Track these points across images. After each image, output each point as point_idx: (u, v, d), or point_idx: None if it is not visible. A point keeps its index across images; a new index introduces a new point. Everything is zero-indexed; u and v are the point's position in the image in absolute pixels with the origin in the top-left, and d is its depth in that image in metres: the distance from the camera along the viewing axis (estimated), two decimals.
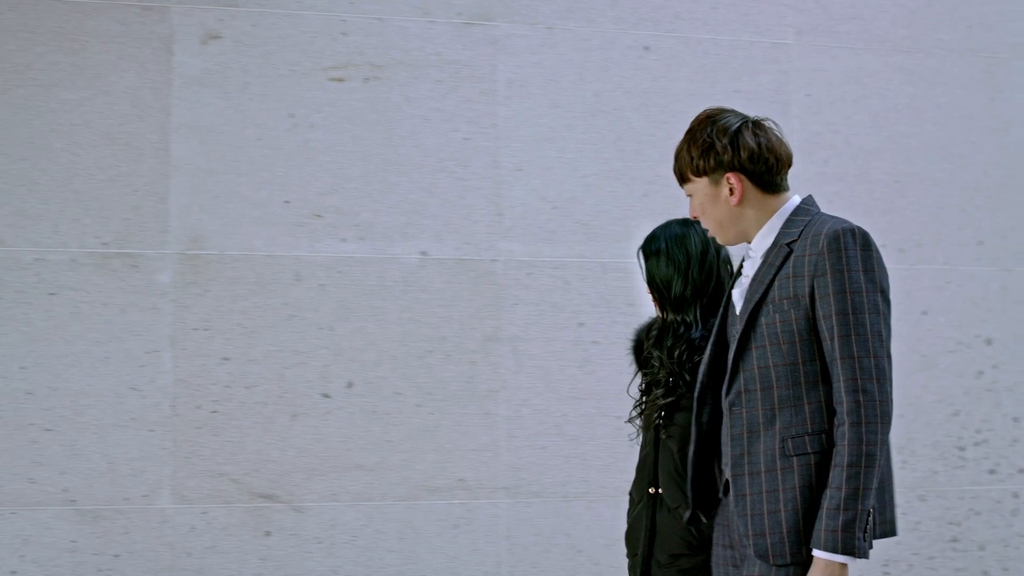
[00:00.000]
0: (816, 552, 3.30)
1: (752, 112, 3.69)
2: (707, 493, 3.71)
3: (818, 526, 3.30)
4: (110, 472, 5.55)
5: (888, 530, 3.48)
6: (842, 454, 3.29)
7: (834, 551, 3.27)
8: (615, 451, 5.88)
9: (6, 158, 5.59)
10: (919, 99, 6.47)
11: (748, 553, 3.46)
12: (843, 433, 3.31)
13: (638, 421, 4.20)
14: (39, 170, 5.61)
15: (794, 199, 3.62)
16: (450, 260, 5.90)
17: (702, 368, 3.69)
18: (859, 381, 3.32)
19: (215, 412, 5.64)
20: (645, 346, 4.24)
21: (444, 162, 5.94)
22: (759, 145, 3.57)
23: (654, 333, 4.18)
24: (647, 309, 5.97)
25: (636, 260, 4.23)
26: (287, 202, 5.80)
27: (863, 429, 3.29)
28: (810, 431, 3.38)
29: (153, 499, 5.57)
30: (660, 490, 4.07)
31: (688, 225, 4.12)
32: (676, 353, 4.01)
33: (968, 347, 6.41)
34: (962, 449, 6.35)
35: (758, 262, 3.56)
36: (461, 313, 5.88)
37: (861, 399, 3.31)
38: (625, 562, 4.18)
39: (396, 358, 5.83)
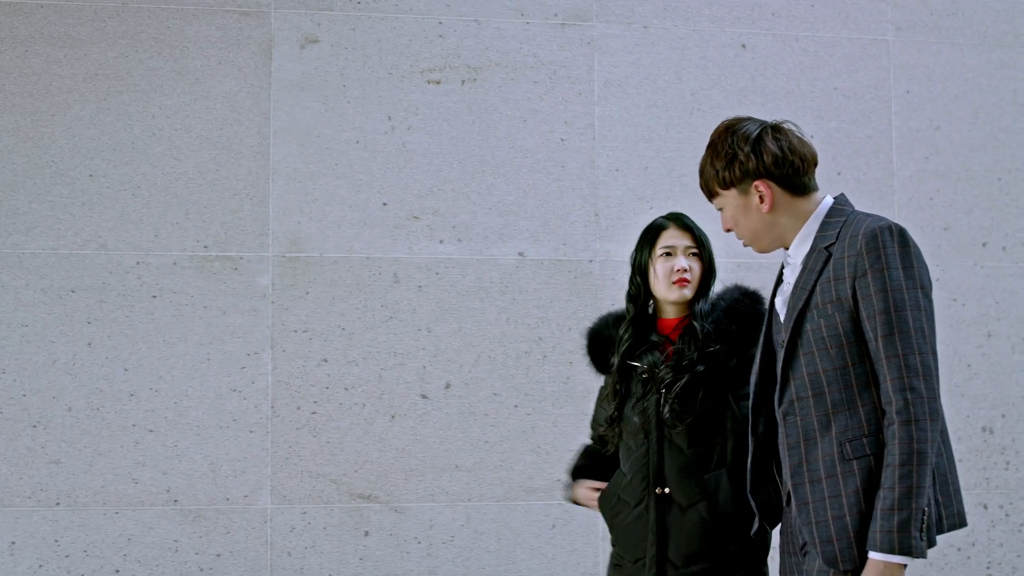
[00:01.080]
0: (872, 554, 3.21)
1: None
2: (769, 502, 3.63)
3: (873, 527, 3.22)
4: (211, 473, 5.56)
5: (957, 522, 3.38)
6: (893, 453, 3.21)
7: (891, 551, 3.18)
8: None
9: (108, 163, 5.61)
10: (1021, 94, 6.30)
11: (814, 557, 3.37)
12: (893, 432, 3.22)
13: (626, 425, 4.13)
14: (140, 175, 5.63)
15: (827, 200, 3.54)
16: (547, 261, 5.84)
17: (753, 379, 3.61)
18: (906, 379, 3.22)
19: (314, 413, 5.63)
20: (622, 339, 4.18)
21: (541, 163, 5.89)
22: (782, 148, 3.50)
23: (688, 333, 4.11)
24: None
25: (688, 226, 4.21)
26: (385, 204, 5.77)
27: (913, 427, 3.20)
28: (867, 432, 3.29)
29: (254, 499, 5.57)
30: (668, 490, 4.00)
31: None
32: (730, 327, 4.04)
33: None
34: None
35: (798, 268, 3.47)
36: (558, 314, 5.83)
37: (909, 397, 3.21)
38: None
39: (494, 359, 5.78)
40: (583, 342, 4.37)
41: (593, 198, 5.89)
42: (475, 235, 5.81)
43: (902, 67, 6.22)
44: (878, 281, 3.27)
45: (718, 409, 4.00)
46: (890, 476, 3.20)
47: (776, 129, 3.55)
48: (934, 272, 6.06)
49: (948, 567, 6.03)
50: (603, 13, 5.99)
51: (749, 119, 3.58)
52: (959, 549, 6.02)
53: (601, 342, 4.29)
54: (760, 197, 3.51)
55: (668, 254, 4.12)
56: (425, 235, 5.77)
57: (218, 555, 5.54)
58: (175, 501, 5.53)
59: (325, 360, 5.65)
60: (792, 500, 3.43)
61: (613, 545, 4.19)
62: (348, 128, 5.77)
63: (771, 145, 3.50)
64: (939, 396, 3.26)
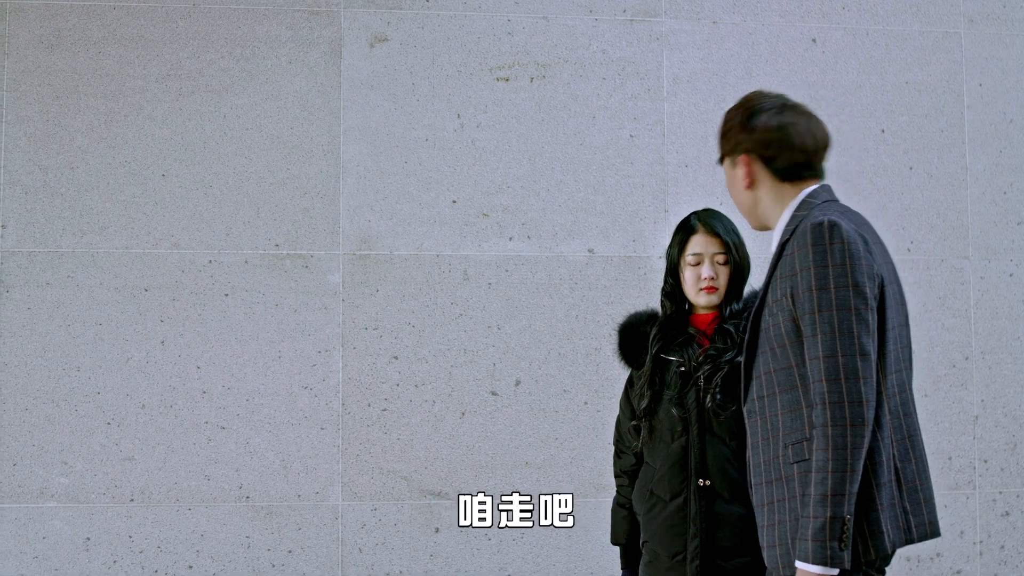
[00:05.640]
0: (796, 562, 3.00)
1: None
2: None
3: (798, 534, 3.02)
4: (283, 469, 5.43)
5: (928, 532, 3.12)
6: (812, 460, 3.00)
7: (805, 560, 2.96)
8: None
9: (180, 163, 5.49)
10: None
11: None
12: (814, 436, 3.00)
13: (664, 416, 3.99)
14: (212, 174, 5.50)
15: (805, 191, 3.30)
16: (617, 258, 5.66)
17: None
18: (825, 384, 2.99)
19: (385, 410, 5.48)
20: (656, 334, 4.07)
21: (610, 160, 5.71)
22: (782, 129, 3.28)
23: (730, 323, 4.00)
24: None
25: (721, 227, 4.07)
26: (455, 202, 5.62)
27: (830, 432, 2.96)
28: (808, 436, 3.06)
29: (325, 496, 5.43)
30: (710, 482, 3.85)
31: None
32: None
33: None
34: None
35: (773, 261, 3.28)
36: (627, 310, 5.62)
37: (828, 401, 2.98)
38: None
39: (563, 356, 5.61)
40: (615, 338, 4.23)
41: (662, 194, 5.71)
42: (544, 232, 5.63)
43: (974, 60, 5.98)
44: (806, 280, 3.05)
45: None
46: (810, 483, 2.99)
47: (789, 108, 3.32)
48: (1007, 267, 5.86)
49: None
50: (672, 9, 5.80)
51: (771, 95, 3.37)
52: None
53: (633, 338, 4.17)
54: (744, 172, 3.32)
55: (696, 262, 4.01)
56: (495, 232, 5.61)
57: (289, 551, 5.41)
58: (247, 498, 5.40)
59: (395, 357, 5.50)
60: (754, 500, 3.25)
61: (645, 542, 4.03)
62: (417, 126, 5.62)
63: (768, 122, 3.29)
64: (865, 400, 2.98)
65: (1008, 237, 5.88)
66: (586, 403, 5.59)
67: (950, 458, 5.79)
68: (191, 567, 5.36)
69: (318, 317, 5.48)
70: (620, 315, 5.57)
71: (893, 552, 3.08)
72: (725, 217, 4.08)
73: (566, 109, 5.72)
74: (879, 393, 3.05)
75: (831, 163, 5.82)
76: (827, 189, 3.30)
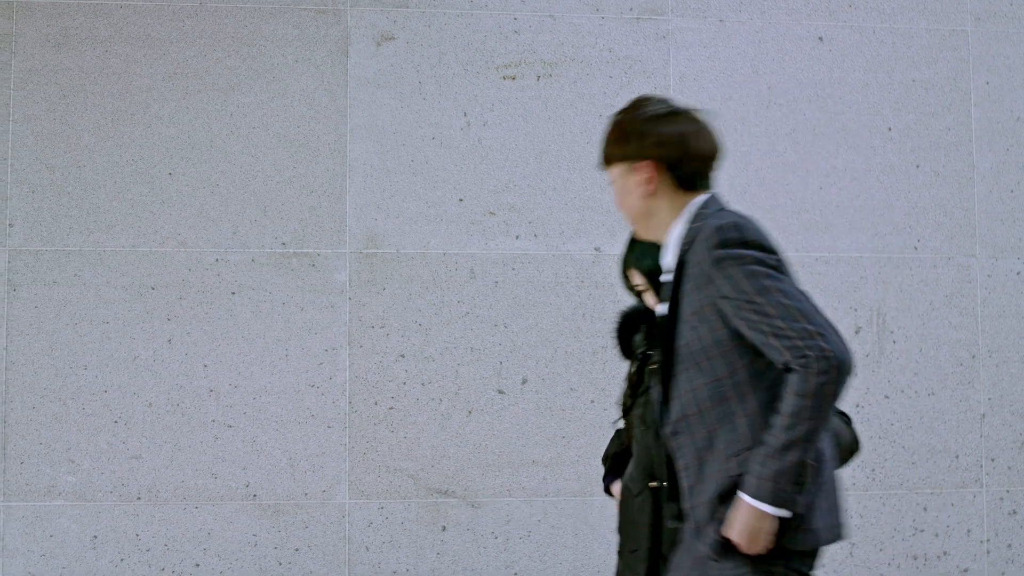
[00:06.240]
0: (741, 494, 2.92)
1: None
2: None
3: (749, 470, 2.93)
4: (290, 467, 5.41)
5: (840, 534, 3.05)
6: (783, 404, 2.90)
7: (758, 498, 2.89)
8: None
9: (187, 162, 5.47)
10: None
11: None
12: (788, 381, 2.90)
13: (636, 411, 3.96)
14: (219, 173, 5.48)
15: (696, 200, 3.18)
16: None
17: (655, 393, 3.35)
18: (791, 349, 2.88)
19: (392, 409, 5.46)
20: (635, 337, 4.03)
21: None
22: (681, 135, 3.17)
23: (644, 327, 3.96)
24: (819, 302, 5.64)
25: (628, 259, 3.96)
26: (461, 200, 5.59)
27: (810, 381, 2.86)
28: (750, 444, 2.96)
29: (332, 494, 5.41)
30: (665, 484, 3.77)
31: None
32: None
33: None
34: None
35: (668, 276, 3.15)
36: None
37: (799, 354, 2.88)
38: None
39: (570, 354, 5.59)
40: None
41: None
42: (551, 230, 5.61)
43: (981, 58, 5.95)
44: (729, 282, 2.95)
45: None
46: (776, 425, 2.89)
47: (683, 115, 3.22)
48: (1014, 265, 5.84)
49: None
50: (678, 7, 5.77)
51: (662, 100, 3.26)
52: None
53: (630, 327, 4.12)
54: (646, 178, 3.17)
55: (640, 292, 3.96)
56: (501, 231, 5.59)
57: (296, 549, 5.39)
58: (254, 496, 5.38)
59: (402, 356, 5.48)
60: (691, 520, 3.11)
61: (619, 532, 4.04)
62: (424, 125, 5.60)
63: (672, 129, 3.18)
64: (844, 348, 2.90)
65: (1015, 235, 5.85)
66: (593, 401, 5.57)
67: (957, 456, 5.76)
68: (198, 565, 5.34)
69: (325, 315, 5.46)
70: None
71: (819, 548, 3.02)
72: (641, 244, 3.90)
73: (572, 107, 5.69)
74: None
75: (838, 164, 5.80)
76: (717, 199, 3.20)
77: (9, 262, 5.37)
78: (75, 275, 5.38)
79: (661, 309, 3.18)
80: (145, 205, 5.44)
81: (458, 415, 5.50)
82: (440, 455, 5.47)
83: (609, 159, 3.27)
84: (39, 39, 5.48)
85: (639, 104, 3.25)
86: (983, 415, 5.79)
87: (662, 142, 3.17)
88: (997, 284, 5.82)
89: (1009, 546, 5.77)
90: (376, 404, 5.45)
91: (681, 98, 5.66)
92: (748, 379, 3.00)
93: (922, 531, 5.73)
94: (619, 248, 5.59)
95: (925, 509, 5.73)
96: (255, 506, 5.38)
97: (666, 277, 3.17)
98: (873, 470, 5.70)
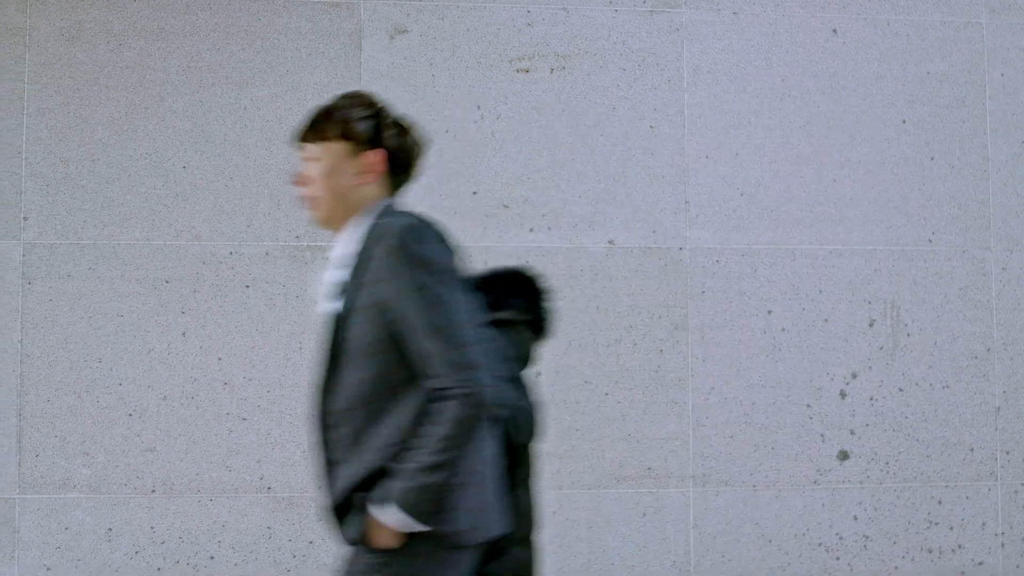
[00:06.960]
0: (371, 507, 3.04)
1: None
2: None
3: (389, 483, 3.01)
4: (304, 460, 5.39)
5: (474, 537, 3.10)
6: (430, 427, 2.98)
7: (400, 505, 2.97)
8: (804, 440, 5.58)
9: (201, 155, 5.46)
10: None
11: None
12: (434, 411, 2.98)
13: None
14: (232, 166, 5.47)
15: (382, 201, 3.23)
16: (637, 249, 5.61)
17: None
18: (441, 376, 2.97)
19: None
20: None
21: (631, 151, 5.66)
22: (410, 133, 3.33)
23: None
24: (833, 295, 5.62)
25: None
26: (475, 193, 5.57)
27: (453, 412, 2.96)
28: (398, 443, 3.02)
29: None
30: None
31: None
32: None
33: None
34: None
35: (344, 267, 3.17)
36: (648, 302, 5.60)
37: (449, 381, 2.96)
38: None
39: (584, 347, 5.57)
40: None
41: (683, 185, 5.66)
42: (565, 223, 5.59)
43: (996, 50, 5.91)
44: (400, 284, 2.99)
45: None
46: (424, 447, 2.96)
47: (404, 121, 3.36)
48: None
49: None
50: (692, 0, 5.76)
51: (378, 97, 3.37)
52: None
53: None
54: (367, 166, 3.22)
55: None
56: (515, 224, 5.57)
57: (311, 542, 5.38)
58: (268, 488, 5.38)
59: None
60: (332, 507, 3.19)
61: None
62: (438, 118, 5.58)
63: (404, 126, 3.32)
64: (485, 383, 2.97)
65: None
66: (607, 394, 5.55)
67: (972, 449, 5.73)
68: (212, 558, 5.34)
69: None
70: (641, 306, 5.56)
71: (473, 543, 3.09)
72: None
73: (586, 100, 5.67)
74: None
75: (852, 157, 5.76)
76: (399, 202, 3.28)
77: (24, 256, 5.36)
78: (89, 268, 5.37)
79: (336, 302, 3.19)
80: (159, 198, 5.43)
81: None
82: None
83: (327, 135, 3.25)
84: (53, 33, 5.47)
85: (369, 97, 3.32)
86: (998, 408, 5.76)
87: (400, 137, 3.28)
88: (1012, 277, 5.79)
89: None
90: None
91: (696, 90, 5.65)
92: (404, 381, 3.05)
93: (937, 524, 5.70)
94: (634, 241, 5.57)
95: (940, 502, 5.70)
96: (269, 499, 5.37)
97: (343, 268, 3.19)
98: (887, 463, 5.68)
